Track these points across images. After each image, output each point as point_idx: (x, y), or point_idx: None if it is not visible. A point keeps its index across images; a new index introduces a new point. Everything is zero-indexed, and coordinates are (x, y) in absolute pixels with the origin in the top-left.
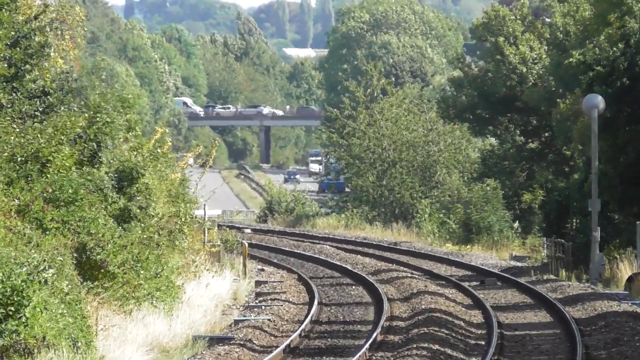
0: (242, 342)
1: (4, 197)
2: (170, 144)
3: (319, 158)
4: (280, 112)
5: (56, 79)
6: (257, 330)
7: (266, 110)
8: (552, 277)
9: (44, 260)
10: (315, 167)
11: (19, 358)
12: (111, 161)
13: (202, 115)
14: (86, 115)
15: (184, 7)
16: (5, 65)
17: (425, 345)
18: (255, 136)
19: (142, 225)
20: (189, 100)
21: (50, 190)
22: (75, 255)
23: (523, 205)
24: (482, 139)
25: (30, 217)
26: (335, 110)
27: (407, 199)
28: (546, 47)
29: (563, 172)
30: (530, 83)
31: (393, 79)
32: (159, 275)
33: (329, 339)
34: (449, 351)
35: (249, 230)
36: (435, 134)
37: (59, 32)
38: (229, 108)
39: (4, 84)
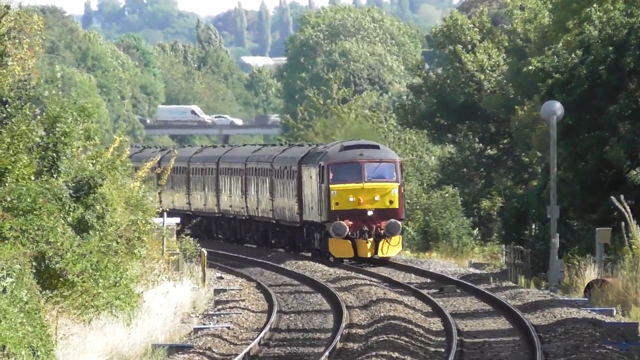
0: (201, 351)
1: None
2: (128, 152)
3: None
4: (239, 121)
5: (14, 87)
6: (216, 338)
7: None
8: (511, 284)
9: (2, 269)
10: None
11: None
12: (68, 170)
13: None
14: (44, 124)
15: (142, 16)
16: None
17: (385, 352)
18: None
19: (101, 233)
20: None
21: (8, 199)
22: (34, 264)
23: (482, 213)
24: (441, 146)
25: None
26: (289, 116)
27: None
28: (505, 55)
29: (522, 179)
30: (489, 90)
31: (353, 86)
32: (118, 284)
33: (289, 347)
34: (408, 359)
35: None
36: (396, 141)
37: (17, 41)
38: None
39: None
